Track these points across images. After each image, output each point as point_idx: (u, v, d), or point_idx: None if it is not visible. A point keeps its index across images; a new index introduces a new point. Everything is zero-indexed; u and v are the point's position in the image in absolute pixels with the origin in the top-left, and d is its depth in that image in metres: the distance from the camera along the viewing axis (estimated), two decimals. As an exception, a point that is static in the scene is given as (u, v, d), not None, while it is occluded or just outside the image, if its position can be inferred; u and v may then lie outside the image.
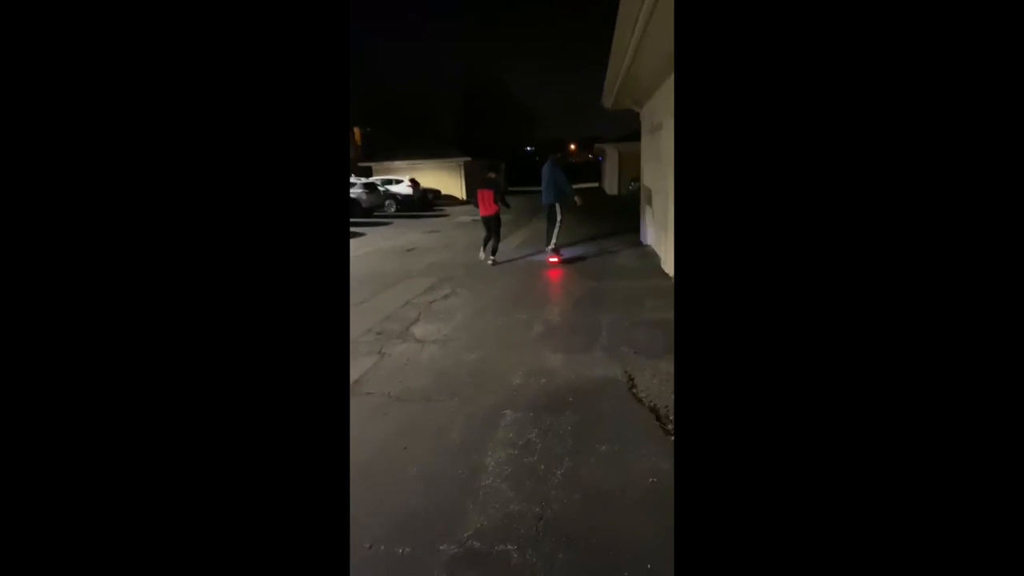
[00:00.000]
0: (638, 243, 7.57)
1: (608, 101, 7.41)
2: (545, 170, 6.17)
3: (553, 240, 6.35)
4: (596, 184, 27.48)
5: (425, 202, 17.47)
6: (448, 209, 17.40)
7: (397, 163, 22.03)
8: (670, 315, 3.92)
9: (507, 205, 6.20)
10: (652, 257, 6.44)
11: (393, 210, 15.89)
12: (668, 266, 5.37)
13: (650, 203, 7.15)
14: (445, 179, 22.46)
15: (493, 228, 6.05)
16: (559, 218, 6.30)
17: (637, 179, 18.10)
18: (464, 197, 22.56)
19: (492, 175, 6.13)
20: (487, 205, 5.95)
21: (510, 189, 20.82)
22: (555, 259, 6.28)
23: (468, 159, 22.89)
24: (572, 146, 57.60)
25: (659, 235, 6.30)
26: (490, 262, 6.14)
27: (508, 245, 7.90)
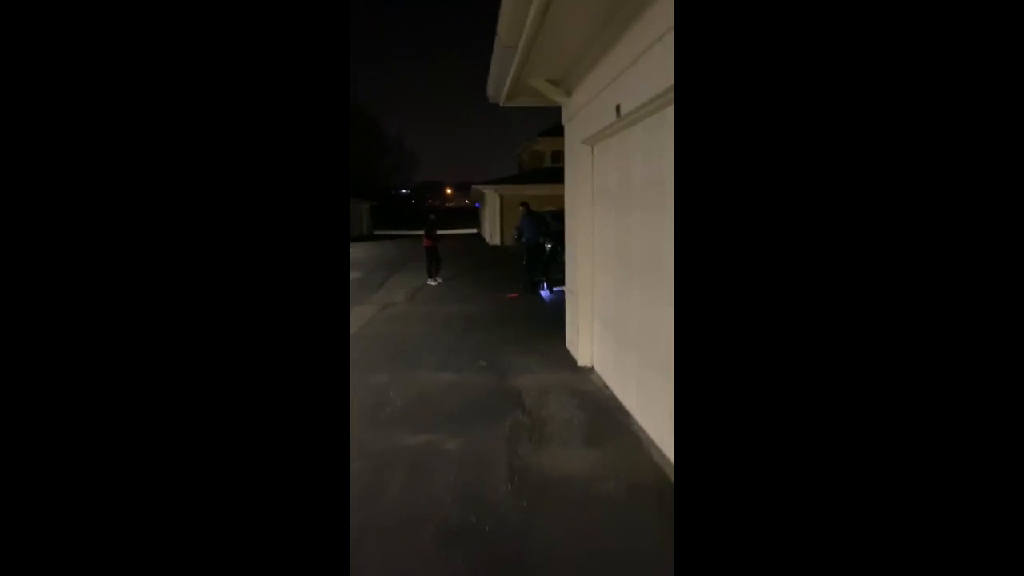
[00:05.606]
0: (567, 360, 3.96)
1: (498, 88, 3.76)
2: (526, 220, 7.70)
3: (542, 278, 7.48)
4: (475, 230, 24.30)
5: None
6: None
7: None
8: None
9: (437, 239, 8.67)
10: (609, 406, 2.84)
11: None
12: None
13: (591, 286, 3.71)
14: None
15: (434, 255, 8.60)
16: (544, 256, 7.74)
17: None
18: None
19: (432, 217, 9.28)
20: (428, 239, 8.74)
21: (375, 233, 24.19)
22: (545, 293, 7.22)
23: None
24: (448, 190, 55.13)
25: (623, 357, 2.80)
26: (433, 283, 8.43)
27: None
